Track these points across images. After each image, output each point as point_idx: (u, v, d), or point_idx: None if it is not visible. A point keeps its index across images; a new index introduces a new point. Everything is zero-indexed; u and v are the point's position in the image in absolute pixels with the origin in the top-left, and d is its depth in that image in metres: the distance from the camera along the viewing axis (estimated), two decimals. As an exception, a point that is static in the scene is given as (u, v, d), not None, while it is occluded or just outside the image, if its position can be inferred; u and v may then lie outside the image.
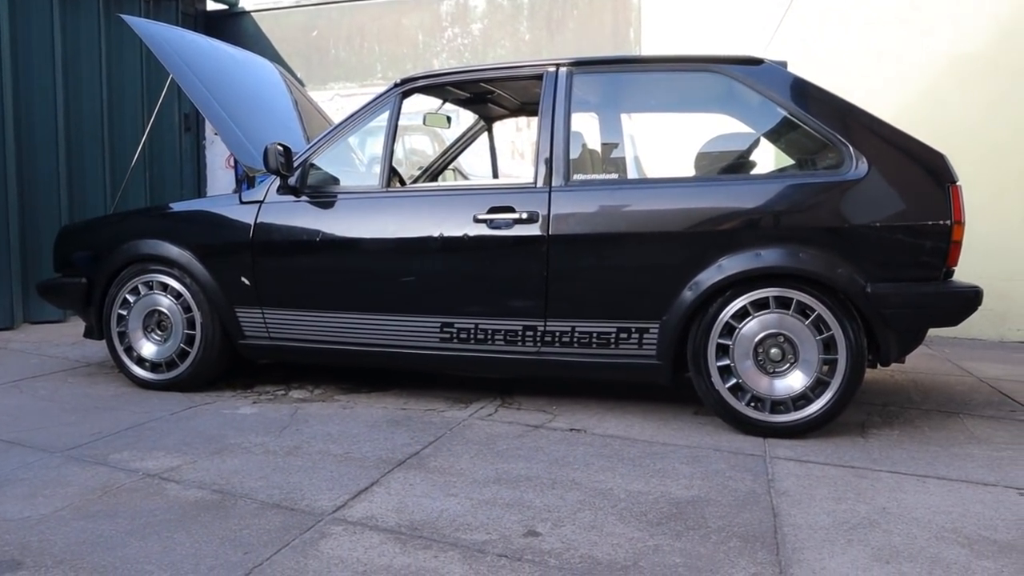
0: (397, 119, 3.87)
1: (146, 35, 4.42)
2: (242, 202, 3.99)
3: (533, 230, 3.52)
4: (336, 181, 4.00)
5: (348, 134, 3.95)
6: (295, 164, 3.90)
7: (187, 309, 4.07)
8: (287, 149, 3.75)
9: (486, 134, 5.14)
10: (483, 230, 3.59)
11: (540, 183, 3.57)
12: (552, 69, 3.70)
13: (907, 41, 5.82)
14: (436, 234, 3.67)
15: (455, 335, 3.69)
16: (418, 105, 4.67)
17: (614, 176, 3.65)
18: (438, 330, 3.71)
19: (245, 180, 4.48)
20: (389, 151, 3.86)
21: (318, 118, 5.74)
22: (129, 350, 4.19)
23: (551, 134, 3.59)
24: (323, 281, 3.87)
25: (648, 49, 6.61)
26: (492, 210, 3.59)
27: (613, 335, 3.51)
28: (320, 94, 7.51)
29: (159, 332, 4.16)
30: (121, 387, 4.19)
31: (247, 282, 3.94)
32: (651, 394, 3.96)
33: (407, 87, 3.91)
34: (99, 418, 3.60)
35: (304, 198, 3.90)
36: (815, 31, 6.07)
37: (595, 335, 3.53)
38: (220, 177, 7.88)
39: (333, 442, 3.27)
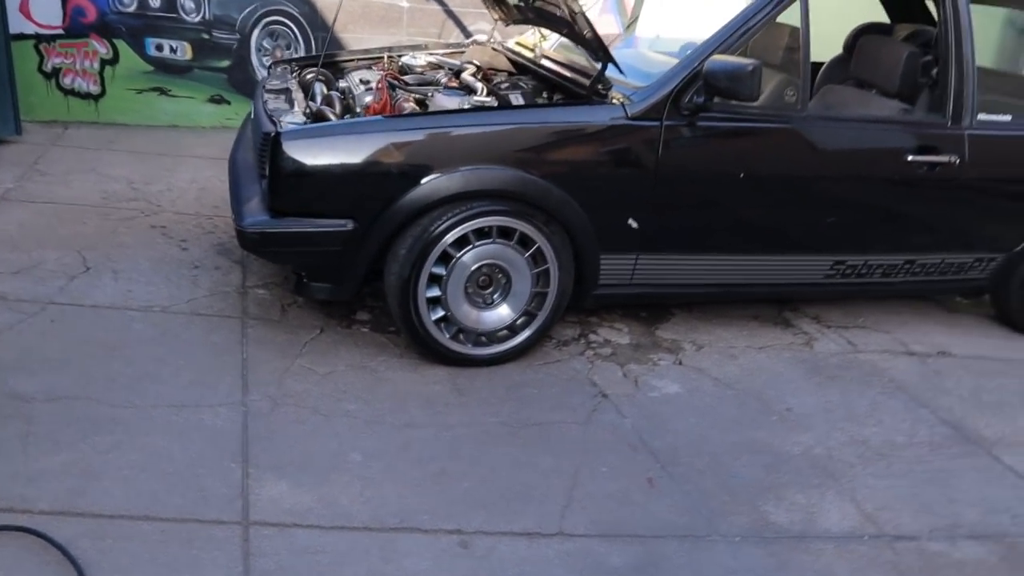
0: (808, 14, 3.16)
1: None
2: (630, 118, 2.95)
3: (953, 172, 3.39)
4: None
5: (750, 34, 3.10)
6: (687, 73, 2.99)
7: (537, 260, 3.02)
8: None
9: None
10: (909, 171, 3.34)
11: (952, 119, 3.38)
12: None
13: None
14: (866, 172, 3.33)
15: (841, 271, 3.50)
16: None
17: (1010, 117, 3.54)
18: (828, 267, 3.48)
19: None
20: (806, 59, 3.17)
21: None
22: (442, 322, 2.99)
23: (960, 65, 3.36)
24: (725, 222, 3.24)
25: None
26: (919, 150, 3.33)
27: (969, 263, 3.68)
28: None
29: (480, 293, 3.03)
30: (448, 373, 3.03)
31: (634, 225, 3.06)
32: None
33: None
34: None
35: (717, 121, 3.05)
36: None
37: (958, 264, 3.66)
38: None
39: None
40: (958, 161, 3.36)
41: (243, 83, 5.67)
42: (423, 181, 2.79)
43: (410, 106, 3.14)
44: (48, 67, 5.41)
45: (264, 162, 2.88)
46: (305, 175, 2.76)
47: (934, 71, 3.50)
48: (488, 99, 3.11)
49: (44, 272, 3.44)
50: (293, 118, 2.94)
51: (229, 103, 5.72)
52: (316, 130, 2.80)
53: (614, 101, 2.97)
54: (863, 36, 3.89)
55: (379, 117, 2.92)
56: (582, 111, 2.97)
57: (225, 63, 5.63)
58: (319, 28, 5.66)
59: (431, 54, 4.09)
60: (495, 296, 3.04)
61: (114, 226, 3.98)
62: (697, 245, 3.23)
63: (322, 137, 2.77)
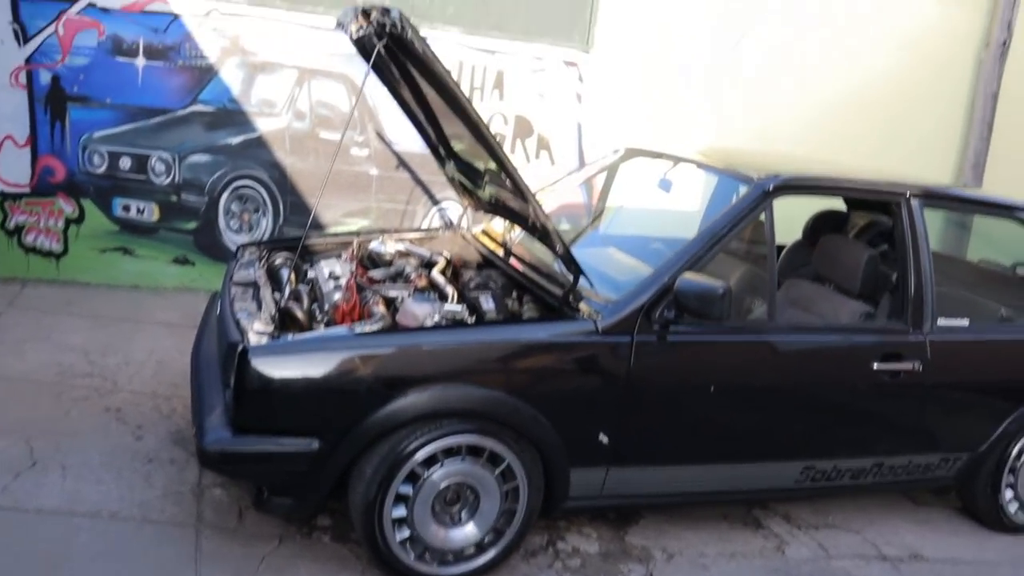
0: (773, 228, 3.25)
1: None
2: (601, 333, 2.95)
3: (916, 378, 3.44)
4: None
5: (717, 248, 3.16)
6: (657, 288, 3.03)
7: (507, 477, 2.95)
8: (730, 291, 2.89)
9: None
10: (875, 378, 3.38)
11: (912, 325, 3.45)
12: (906, 197, 3.49)
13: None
14: (833, 380, 3.37)
15: (811, 476, 3.47)
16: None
17: (968, 321, 3.63)
18: (797, 473, 3.45)
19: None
20: (773, 274, 3.24)
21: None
22: (408, 541, 2.88)
23: (919, 273, 3.46)
24: (696, 434, 3.23)
25: (603, 26, 6.10)
26: (884, 357, 3.37)
27: (936, 463, 3.69)
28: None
29: (447, 510, 2.94)
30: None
31: (605, 440, 3.02)
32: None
33: (781, 194, 3.27)
34: None
35: (688, 335, 3.07)
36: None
37: (924, 465, 3.66)
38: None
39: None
40: (921, 367, 3.41)
41: (209, 246, 5.66)
42: (392, 400, 2.73)
43: (380, 310, 3.12)
44: (11, 225, 5.36)
45: (229, 372, 2.81)
46: (272, 392, 2.69)
47: (894, 276, 3.59)
48: (459, 307, 3.10)
49: (-14, 468, 3.28)
50: (261, 327, 2.89)
51: (193, 264, 5.69)
52: (284, 347, 2.74)
53: (585, 315, 2.97)
54: (823, 236, 4.00)
55: (348, 332, 2.87)
56: (553, 327, 2.97)
57: (192, 225, 5.63)
58: (288, 192, 5.72)
59: (400, 239, 4.12)
60: (463, 514, 2.95)
61: (66, 408, 3.84)
62: (668, 457, 3.20)
63: (290, 354, 2.72)
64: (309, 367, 2.72)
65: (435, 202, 5.97)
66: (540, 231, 3.05)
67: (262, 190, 5.67)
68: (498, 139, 2.91)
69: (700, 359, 3.14)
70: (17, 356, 4.32)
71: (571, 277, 3.02)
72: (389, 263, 3.85)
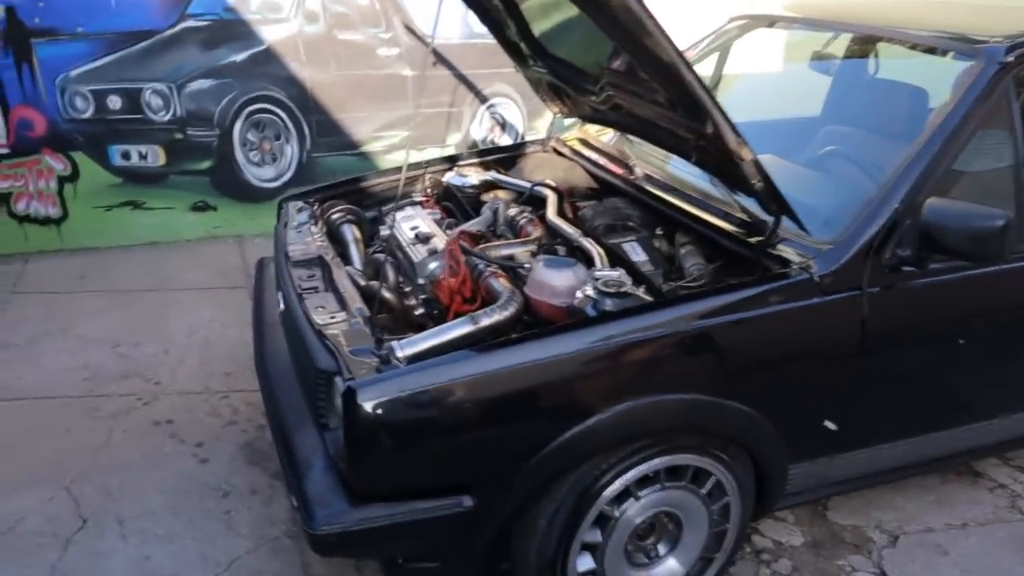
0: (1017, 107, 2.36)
1: None
2: (820, 287, 2.12)
3: None
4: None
5: (954, 156, 2.25)
6: (888, 218, 2.17)
7: (713, 495, 2.22)
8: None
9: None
10: None
11: None
12: None
13: None
14: None
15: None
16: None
17: None
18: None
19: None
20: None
21: None
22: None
23: None
24: (941, 400, 2.50)
25: None
26: None
27: None
28: None
29: (641, 546, 2.24)
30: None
31: (832, 427, 2.26)
32: None
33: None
34: None
35: (930, 276, 2.24)
36: None
37: None
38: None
39: None
40: None
41: (229, 184, 4.82)
42: (564, 428, 1.96)
43: (503, 286, 2.29)
44: (-5, 193, 4.50)
45: (328, 412, 2.05)
46: (397, 442, 1.92)
47: None
48: (616, 273, 2.24)
49: (25, 538, 2.59)
50: (352, 336, 2.07)
51: (215, 209, 4.86)
52: (404, 376, 1.92)
53: (798, 267, 2.13)
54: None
55: (471, 327, 2.06)
56: (757, 291, 2.12)
57: (206, 164, 4.75)
58: (312, 111, 4.79)
59: (482, 163, 3.27)
60: (659, 547, 2.25)
61: (107, 430, 3.12)
62: (904, 432, 2.46)
63: (416, 387, 1.90)
64: (446, 401, 1.92)
65: (483, 100, 5.02)
66: (725, 160, 2.16)
67: (281, 112, 4.74)
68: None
69: (946, 305, 2.33)
70: (32, 362, 3.56)
71: (771, 219, 2.18)
72: (477, 202, 3.01)
